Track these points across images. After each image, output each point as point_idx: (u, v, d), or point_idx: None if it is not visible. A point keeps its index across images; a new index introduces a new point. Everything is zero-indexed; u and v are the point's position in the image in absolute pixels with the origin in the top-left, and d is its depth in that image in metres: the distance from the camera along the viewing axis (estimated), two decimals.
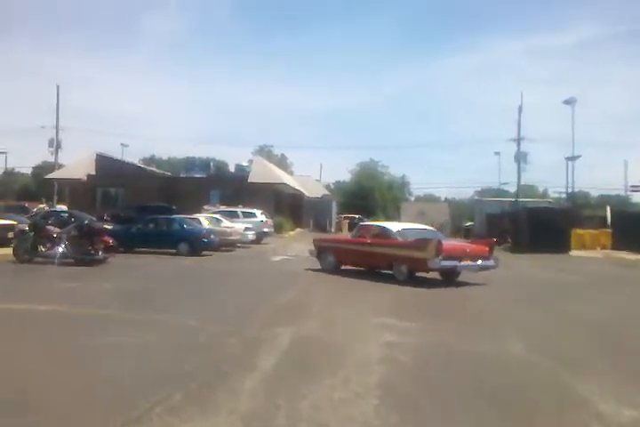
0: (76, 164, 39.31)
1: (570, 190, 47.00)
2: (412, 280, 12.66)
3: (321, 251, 15.27)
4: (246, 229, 24.87)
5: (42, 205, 46.21)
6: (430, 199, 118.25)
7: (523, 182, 62.13)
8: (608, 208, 31.89)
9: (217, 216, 25.12)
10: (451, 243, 13.56)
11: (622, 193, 64.23)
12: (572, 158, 44.80)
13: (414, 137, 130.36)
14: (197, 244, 19.17)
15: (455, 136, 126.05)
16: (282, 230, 33.65)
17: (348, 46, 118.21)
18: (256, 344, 6.24)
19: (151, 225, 20.34)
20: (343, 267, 14.77)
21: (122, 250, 18.99)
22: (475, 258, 12.85)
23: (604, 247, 28.31)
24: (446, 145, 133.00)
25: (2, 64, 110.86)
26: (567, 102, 37.34)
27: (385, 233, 13.96)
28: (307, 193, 44.62)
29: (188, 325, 7.19)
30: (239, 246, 23.59)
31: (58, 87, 45.80)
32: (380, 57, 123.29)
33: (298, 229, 38.40)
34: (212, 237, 19.79)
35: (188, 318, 7.59)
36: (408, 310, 9.23)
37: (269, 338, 6.53)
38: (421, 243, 12.60)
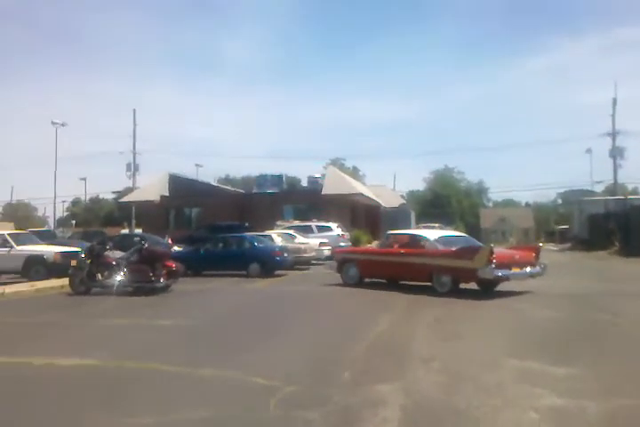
0: (150, 186, 38.97)
1: None
2: (456, 292, 11.49)
3: (343, 263, 14.10)
4: (322, 244, 23.03)
5: (124, 230, 46.55)
6: (509, 204, 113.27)
7: (605, 180, 57.75)
8: None
9: (290, 232, 23.43)
10: (500, 250, 12.19)
11: None
12: None
13: (490, 141, 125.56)
14: (269, 263, 17.41)
15: (533, 138, 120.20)
16: (359, 244, 31.50)
17: (418, 57, 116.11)
18: (347, 420, 4.19)
19: (220, 245, 18.82)
20: (367, 280, 13.76)
21: (189, 274, 17.75)
22: (523, 265, 11.78)
23: None
24: (524, 146, 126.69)
25: (87, 94, 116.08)
26: None
27: (422, 242, 12.62)
28: (383, 203, 42.36)
29: (254, 384, 5.20)
30: (314, 263, 21.71)
31: (134, 111, 46.58)
32: (450, 64, 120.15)
33: (376, 242, 36.12)
34: (286, 255, 17.99)
35: (256, 371, 5.61)
36: (532, 341, 6.93)
37: (367, 406, 4.46)
38: (470, 251, 11.70)
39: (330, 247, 23.60)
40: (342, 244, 25.99)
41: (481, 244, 13.52)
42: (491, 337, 7.43)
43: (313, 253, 21.36)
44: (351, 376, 5.39)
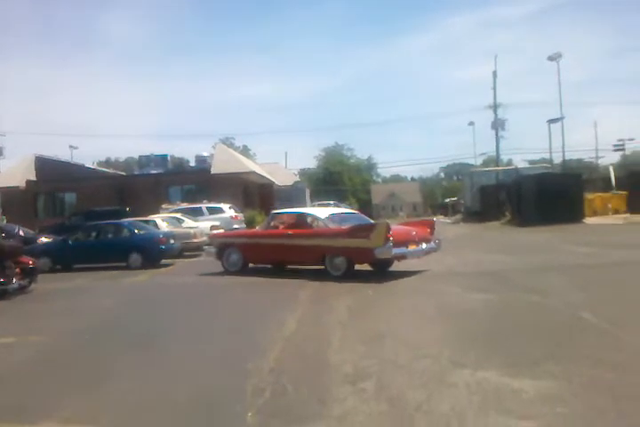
0: (14, 169, 34.65)
1: (551, 156, 44.25)
2: (352, 275, 10.56)
3: (223, 248, 12.66)
4: (213, 227, 21.10)
5: None
6: (397, 179, 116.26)
7: (488, 152, 60.15)
8: (611, 169, 29.10)
9: (177, 215, 21.26)
10: (395, 227, 11.16)
11: (585, 156, 62.25)
12: (554, 120, 41.96)
13: (377, 117, 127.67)
14: (152, 252, 15.29)
15: (416, 113, 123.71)
16: (254, 225, 29.81)
17: (303, 34, 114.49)
18: None
19: (93, 234, 16.36)
20: (251, 266, 12.59)
21: (58, 269, 15.27)
22: (419, 241, 10.98)
23: (616, 212, 25.48)
24: (408, 121, 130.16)
25: None
26: (551, 58, 34.31)
27: (311, 221, 11.52)
28: (277, 181, 40.79)
29: None
30: (207, 248, 19.74)
31: None
32: (335, 42, 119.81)
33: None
34: (172, 241, 15.95)
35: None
36: (473, 337, 5.73)
37: None
38: (365, 229, 10.66)
39: (222, 230, 21.77)
40: (236, 226, 24.19)
41: (374, 220, 12.56)
42: (421, 334, 6.13)
43: (204, 238, 19.34)
44: (258, 421, 3.80)
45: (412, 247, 10.67)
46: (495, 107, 48.32)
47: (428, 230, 11.52)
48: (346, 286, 9.80)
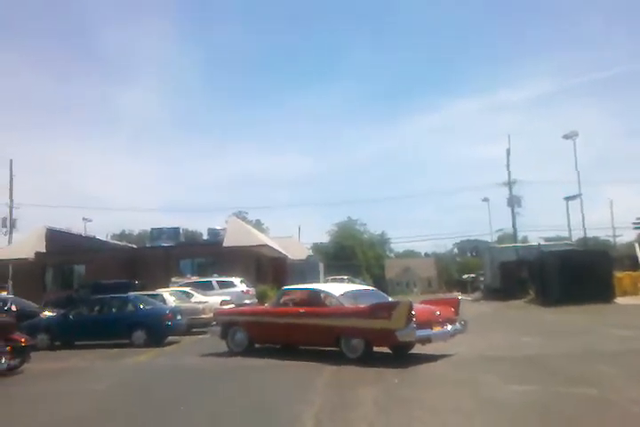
0: (23, 242, 34.30)
1: (569, 233, 43.34)
2: (371, 357, 9.59)
3: (228, 327, 11.78)
4: (223, 302, 20.15)
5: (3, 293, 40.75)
6: (411, 255, 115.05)
7: (504, 228, 59.38)
8: (637, 246, 28.06)
9: (187, 289, 20.40)
10: (418, 306, 10.08)
11: (601, 234, 61.01)
12: (572, 198, 41.53)
13: (389, 193, 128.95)
14: (158, 329, 14.31)
15: (428, 189, 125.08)
16: (266, 300, 28.76)
17: (313, 113, 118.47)
18: None
19: (96, 308, 15.49)
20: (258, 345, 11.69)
21: (57, 346, 14.34)
22: (444, 322, 9.99)
23: None
24: (419, 197, 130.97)
25: None
26: (567, 137, 34.36)
27: (324, 298, 10.61)
28: (290, 255, 40.02)
29: None
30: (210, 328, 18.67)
31: (11, 162, 42.38)
32: (350, 119, 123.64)
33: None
34: (179, 317, 15.02)
35: None
36: None
37: None
38: (384, 308, 9.70)
39: (233, 305, 20.80)
40: (247, 301, 23.20)
41: (395, 299, 11.55)
42: None
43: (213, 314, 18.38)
44: None
45: (436, 329, 9.65)
46: (510, 183, 48.32)
47: (453, 310, 10.51)
48: (366, 371, 8.80)
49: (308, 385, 7.94)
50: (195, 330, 17.08)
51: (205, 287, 22.17)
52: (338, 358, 9.76)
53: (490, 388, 7.23)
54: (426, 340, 9.63)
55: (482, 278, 36.34)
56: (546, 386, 7.15)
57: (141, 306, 15.00)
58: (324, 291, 11.08)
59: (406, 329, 9.13)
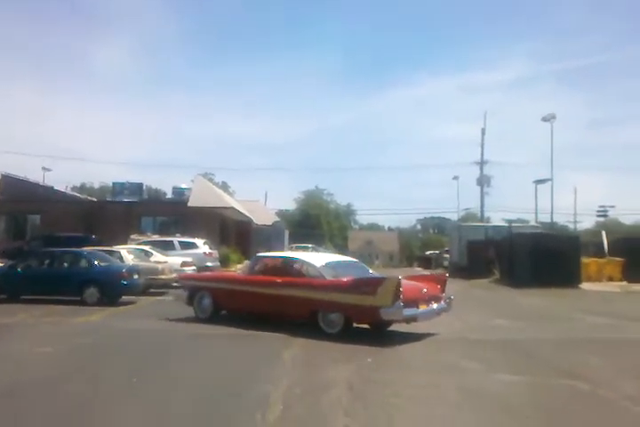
0: None
1: (536, 216, 43.49)
2: (350, 333, 8.97)
3: (194, 292, 11.01)
4: (184, 263, 19.30)
5: None
6: (375, 228, 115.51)
7: (470, 208, 59.66)
8: (604, 234, 28.10)
9: (146, 248, 19.41)
10: (406, 282, 9.22)
11: (561, 220, 61.99)
12: (541, 181, 41.54)
13: (359, 163, 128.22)
14: (112, 288, 13.42)
15: (399, 163, 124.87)
16: (229, 263, 27.98)
17: (291, 77, 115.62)
18: None
19: (47, 262, 14.43)
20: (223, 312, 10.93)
21: (3, 299, 13.35)
22: (429, 300, 9.39)
23: (610, 279, 24.28)
24: (389, 170, 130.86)
25: None
26: (545, 119, 33.98)
27: (303, 269, 9.89)
28: (255, 220, 39.12)
29: None
30: (175, 286, 17.85)
31: None
32: (326, 88, 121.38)
33: (246, 262, 32.71)
34: (136, 276, 14.10)
35: None
36: None
37: None
38: (370, 283, 9.05)
39: (194, 267, 19.95)
40: (209, 263, 22.38)
41: (381, 274, 10.83)
42: None
43: (173, 275, 17.50)
44: None
45: (422, 307, 9.04)
46: (482, 162, 48.14)
47: (439, 287, 9.90)
48: (339, 347, 8.16)
49: (275, 360, 7.24)
50: (152, 291, 16.27)
51: (166, 247, 21.21)
52: (307, 331, 9.09)
53: (474, 376, 6.63)
54: (411, 319, 8.98)
55: (447, 255, 36.21)
56: (534, 377, 6.60)
57: (96, 262, 13.99)
58: (303, 260, 10.28)
59: (393, 307, 8.49)
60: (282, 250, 38.08)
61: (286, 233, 41.82)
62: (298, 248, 44.45)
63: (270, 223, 42.28)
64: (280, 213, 78.12)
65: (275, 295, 9.73)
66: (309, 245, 50.14)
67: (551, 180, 36.92)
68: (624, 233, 51.65)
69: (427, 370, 6.98)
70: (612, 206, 59.64)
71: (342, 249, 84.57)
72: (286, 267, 10.29)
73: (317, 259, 10.38)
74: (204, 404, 5.38)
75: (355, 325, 9.38)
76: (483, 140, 47.65)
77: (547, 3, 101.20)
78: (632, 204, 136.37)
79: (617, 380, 6.46)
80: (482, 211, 49.07)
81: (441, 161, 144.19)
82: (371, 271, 10.71)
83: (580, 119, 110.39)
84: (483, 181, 48.73)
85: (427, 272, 38.93)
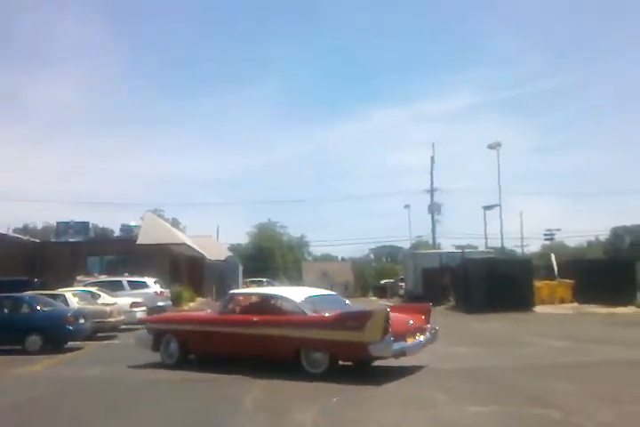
0: None
1: (486, 241, 44.37)
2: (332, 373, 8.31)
3: (160, 336, 10.16)
4: (134, 304, 18.51)
5: None
6: (328, 258, 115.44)
7: (422, 235, 60.62)
8: (553, 257, 28.73)
9: (93, 289, 18.55)
10: (394, 315, 8.66)
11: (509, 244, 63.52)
12: (490, 207, 42.56)
13: (310, 195, 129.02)
14: (56, 334, 12.59)
15: (349, 194, 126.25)
16: (181, 302, 27.13)
17: (235, 110, 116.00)
18: None
19: None
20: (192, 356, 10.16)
21: None
22: (415, 333, 8.92)
23: (562, 301, 24.71)
24: (340, 201, 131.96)
25: None
26: (491, 147, 35.02)
27: (281, 305, 9.37)
28: (208, 256, 38.35)
29: None
30: (124, 329, 17.05)
31: None
32: (272, 120, 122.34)
33: (199, 299, 31.86)
34: (82, 321, 13.33)
35: None
36: None
37: None
38: (356, 318, 8.59)
39: (144, 308, 19.16)
40: (161, 303, 21.58)
41: (365, 307, 10.25)
42: None
43: (122, 317, 16.72)
44: None
45: (409, 340, 8.55)
46: (432, 190, 49.05)
47: (424, 318, 9.44)
48: (302, 387, 7.78)
49: (237, 406, 6.81)
50: (100, 335, 15.43)
51: (115, 287, 20.37)
52: (268, 372, 8.66)
53: (445, 409, 6.40)
54: (400, 354, 8.45)
55: (402, 284, 36.25)
56: (505, 407, 6.42)
57: (38, 307, 13.16)
58: (281, 296, 9.72)
59: (382, 343, 7.99)
60: (236, 286, 37.36)
61: (240, 268, 41.10)
62: (252, 283, 43.83)
63: (223, 258, 41.53)
64: (233, 248, 77.17)
65: (252, 335, 9.02)
66: (264, 280, 49.56)
67: (499, 205, 37.90)
68: (570, 255, 53.30)
69: (395, 406, 6.69)
70: (559, 230, 61.51)
71: (297, 281, 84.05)
72: (263, 304, 9.70)
73: (296, 294, 9.71)
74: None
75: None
76: (432, 168, 48.76)
77: (484, 30, 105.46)
78: (576, 226, 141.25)
79: (589, 406, 6.35)
80: (434, 238, 49.74)
81: (392, 190, 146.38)
82: (347, 303, 10.17)
83: (525, 146, 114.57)
84: (433, 209, 49.58)
85: (383, 302, 38.95)
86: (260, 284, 45.28)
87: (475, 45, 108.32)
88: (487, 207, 43.11)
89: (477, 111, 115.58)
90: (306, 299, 9.26)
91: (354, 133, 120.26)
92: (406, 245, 67.11)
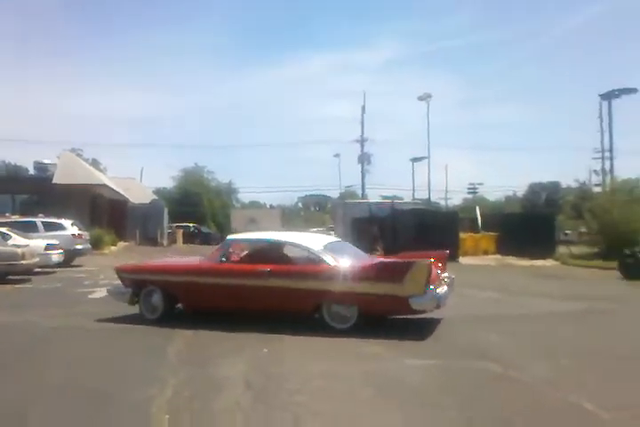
0: None
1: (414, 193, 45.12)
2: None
3: (139, 287, 8.79)
4: (49, 246, 17.38)
5: None
6: (257, 206, 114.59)
7: (352, 185, 60.91)
8: (478, 210, 29.44)
9: (3, 230, 17.18)
10: None
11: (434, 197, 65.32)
12: (418, 160, 42.95)
13: (240, 141, 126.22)
14: None
15: (280, 141, 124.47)
16: (101, 246, 25.93)
17: (169, 51, 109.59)
18: None
19: None
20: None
21: None
22: (441, 282, 8.27)
23: (485, 253, 25.48)
24: (271, 147, 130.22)
25: None
26: (421, 99, 34.91)
27: (298, 253, 8.44)
28: (131, 199, 36.69)
29: None
30: (39, 272, 15.98)
31: None
32: (204, 63, 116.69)
33: (122, 243, 30.64)
34: None
35: None
36: None
37: None
38: (396, 269, 7.63)
39: (61, 250, 18.04)
40: (79, 246, 20.46)
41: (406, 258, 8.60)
42: None
43: (36, 259, 15.64)
44: None
45: (439, 291, 7.87)
46: (362, 140, 48.86)
47: (441, 266, 8.79)
48: (230, 337, 7.33)
49: (159, 358, 6.28)
50: (11, 278, 14.37)
51: (28, 229, 18.99)
52: (193, 322, 8.15)
53: (382, 362, 6.14)
54: (440, 305, 7.82)
55: (331, 233, 36.29)
56: (444, 360, 6.23)
57: None
58: (296, 244, 8.57)
59: (425, 296, 7.40)
60: (159, 229, 36.15)
61: (165, 211, 39.73)
62: (178, 228, 42.64)
63: (149, 202, 39.92)
64: (158, 192, 74.64)
65: (264, 288, 8.00)
66: (191, 225, 48.41)
67: (428, 158, 38.31)
68: (489, 209, 55.25)
69: (329, 358, 6.37)
70: (481, 184, 63.55)
71: (225, 228, 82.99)
72: (272, 252, 8.54)
73: (311, 241, 8.66)
74: (72, 415, 4.36)
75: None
76: (363, 118, 48.37)
77: None
78: (498, 181, 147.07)
79: (521, 359, 6.26)
80: (363, 188, 50.08)
81: (323, 138, 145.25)
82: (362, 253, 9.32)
83: (451, 99, 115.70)
84: (364, 159, 49.61)
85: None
86: (186, 229, 44.22)
87: None
88: (415, 159, 43.52)
89: (405, 63, 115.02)
90: (325, 246, 8.34)
91: (285, 80, 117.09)
92: (335, 194, 67.46)
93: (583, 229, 27.69)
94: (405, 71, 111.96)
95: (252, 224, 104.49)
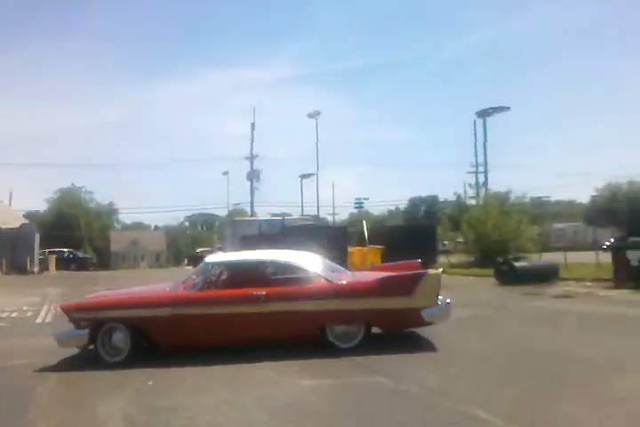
0: None
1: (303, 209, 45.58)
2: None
3: (98, 326, 7.36)
4: None
5: None
6: (139, 227, 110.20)
7: (240, 203, 60.47)
8: (364, 223, 30.11)
9: None
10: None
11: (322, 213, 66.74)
12: (306, 176, 43.54)
13: (123, 159, 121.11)
14: None
15: (165, 159, 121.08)
16: None
17: (56, 68, 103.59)
18: None
19: None
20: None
21: None
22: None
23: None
24: (153, 166, 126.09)
25: None
26: (310, 116, 35.53)
27: (294, 274, 7.62)
28: None
29: None
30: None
31: None
32: (90, 83, 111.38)
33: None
34: None
35: None
36: None
37: None
38: (405, 282, 7.50)
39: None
40: None
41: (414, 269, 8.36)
42: None
43: None
44: None
45: (447, 300, 7.84)
46: (252, 157, 48.66)
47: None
48: (106, 375, 6.75)
49: (28, 398, 5.62)
50: None
51: None
52: (63, 356, 7.45)
53: (275, 387, 5.90)
54: (447, 316, 7.77)
55: (221, 253, 35.66)
56: (335, 378, 6.11)
57: None
58: (291, 263, 7.83)
59: (438, 307, 7.38)
60: (30, 256, 33.50)
61: (37, 236, 36.85)
62: (51, 253, 39.65)
63: (18, 226, 36.81)
64: (30, 215, 69.28)
65: (263, 314, 7.27)
66: (66, 250, 45.25)
67: (316, 174, 38.90)
68: (373, 223, 57.01)
69: (220, 387, 6.02)
70: (367, 198, 65.60)
71: (103, 251, 78.63)
72: (261, 274, 7.68)
73: (306, 260, 8.00)
74: None
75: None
76: (252, 134, 48.27)
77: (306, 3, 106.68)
78: (380, 196, 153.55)
79: (416, 372, 6.28)
80: (252, 205, 49.75)
81: (214, 155, 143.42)
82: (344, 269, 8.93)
83: (343, 118, 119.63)
84: (253, 176, 49.33)
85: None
86: (60, 254, 41.27)
87: (297, 17, 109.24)
88: (304, 176, 44.09)
89: (297, 82, 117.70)
90: (324, 265, 7.93)
91: (176, 96, 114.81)
92: (224, 213, 66.50)
93: (460, 240, 29.21)
94: (297, 91, 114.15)
95: (134, 246, 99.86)
